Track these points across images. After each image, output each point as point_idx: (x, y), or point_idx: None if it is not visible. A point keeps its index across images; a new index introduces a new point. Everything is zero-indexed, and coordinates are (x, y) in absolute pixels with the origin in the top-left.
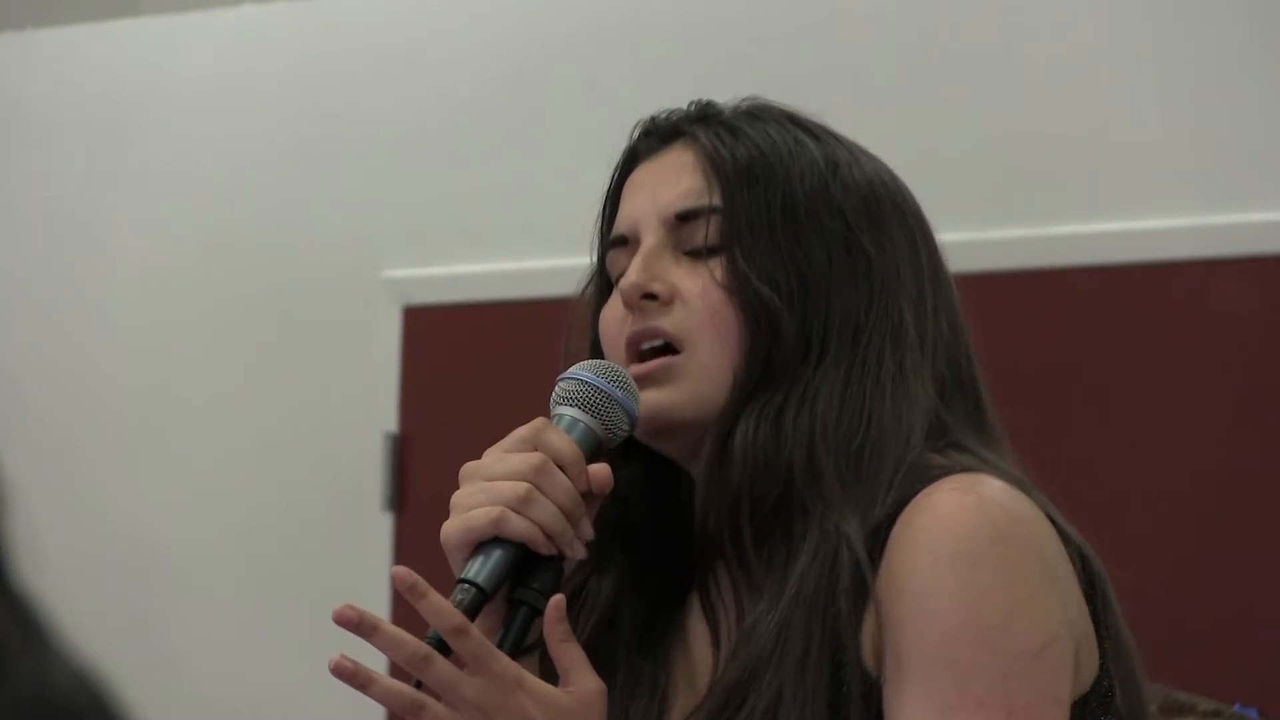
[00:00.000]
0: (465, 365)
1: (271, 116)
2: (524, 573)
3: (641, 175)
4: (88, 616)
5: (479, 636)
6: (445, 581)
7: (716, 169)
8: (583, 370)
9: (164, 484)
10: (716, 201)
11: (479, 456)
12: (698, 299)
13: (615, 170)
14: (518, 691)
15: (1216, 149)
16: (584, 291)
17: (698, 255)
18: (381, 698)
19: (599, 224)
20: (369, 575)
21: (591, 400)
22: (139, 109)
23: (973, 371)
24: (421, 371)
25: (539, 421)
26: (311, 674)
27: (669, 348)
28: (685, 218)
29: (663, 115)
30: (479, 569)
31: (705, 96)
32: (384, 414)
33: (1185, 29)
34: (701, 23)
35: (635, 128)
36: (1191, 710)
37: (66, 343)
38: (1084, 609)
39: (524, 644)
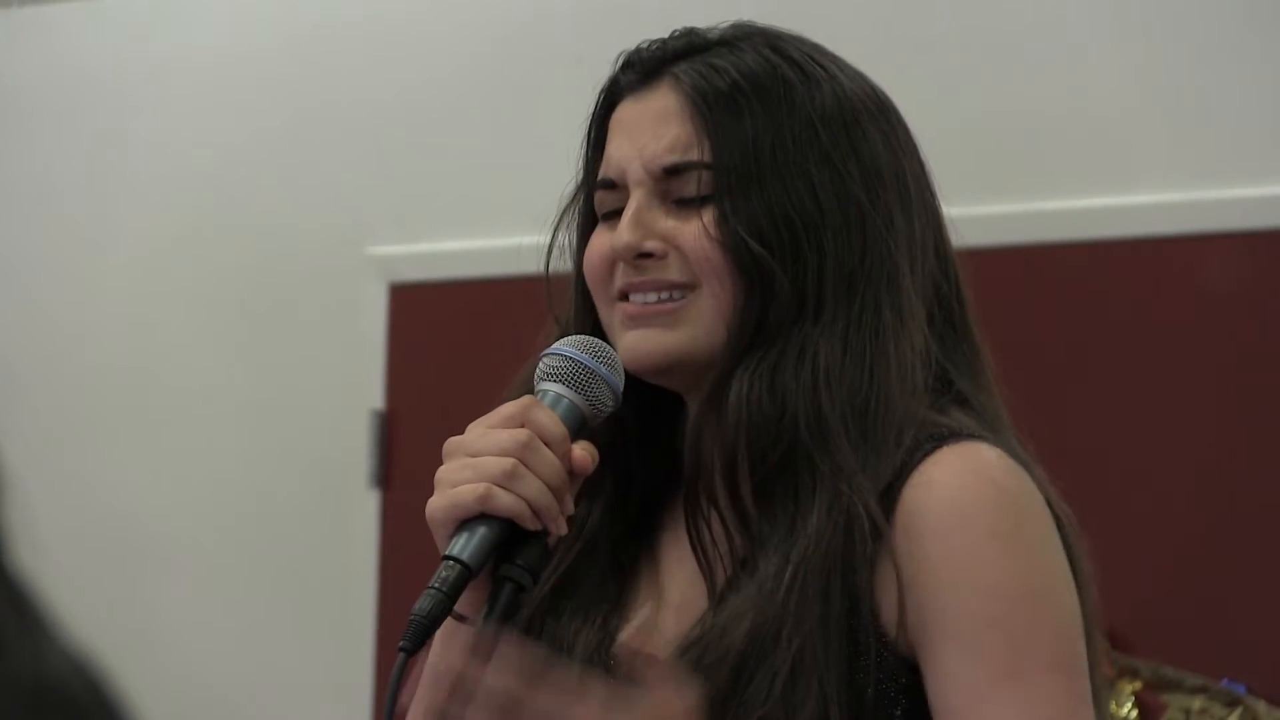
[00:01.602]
0: (451, 342)
1: (258, 94)
2: (509, 548)
3: (627, 115)
4: (73, 596)
5: None
6: (431, 558)
7: (703, 118)
8: (566, 346)
9: (150, 462)
10: (705, 156)
11: (464, 432)
12: (692, 250)
13: (599, 97)
14: None
15: (1204, 124)
16: (548, 252)
17: (688, 205)
18: None
19: (583, 150)
20: (356, 552)
21: (574, 376)
22: (124, 88)
23: (962, 301)
24: (408, 349)
25: (526, 399)
26: (298, 651)
27: (675, 294)
28: (673, 171)
29: (646, 48)
30: (464, 545)
31: None
32: (370, 391)
33: (1174, 2)
34: None
35: (618, 58)
36: (1179, 685)
37: (50, 322)
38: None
39: (508, 620)
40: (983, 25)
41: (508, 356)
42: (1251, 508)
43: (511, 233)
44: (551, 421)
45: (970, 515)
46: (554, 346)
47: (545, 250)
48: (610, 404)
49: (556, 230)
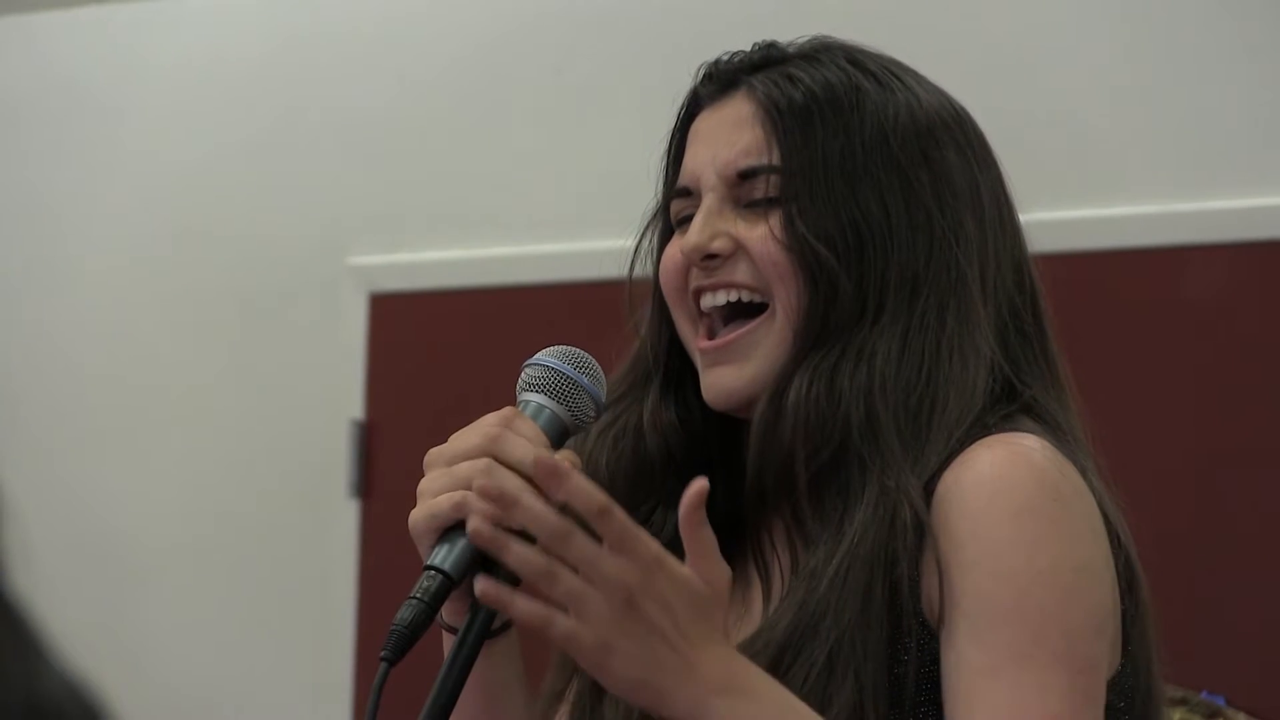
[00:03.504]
0: (432, 352)
1: (238, 103)
2: (491, 557)
3: (704, 125)
4: (53, 603)
5: (622, 517)
6: (411, 568)
7: (775, 125)
8: (548, 356)
9: (131, 470)
10: (775, 160)
11: (445, 443)
12: (759, 252)
13: (679, 112)
14: (658, 572)
15: (1186, 136)
16: (647, 234)
17: (757, 208)
18: (519, 556)
19: (664, 164)
20: (335, 561)
21: (557, 386)
22: (104, 97)
23: (1039, 317)
24: (388, 358)
25: (507, 410)
26: (278, 660)
27: (741, 304)
28: (745, 175)
29: (725, 59)
30: (445, 555)
31: (668, 85)
32: (350, 401)
33: (1156, 15)
34: (667, 9)
35: (699, 69)
36: None
37: (32, 330)
38: (1117, 597)
39: (491, 627)
40: (966, 37)
41: (487, 365)
42: (1231, 518)
43: (491, 243)
44: (532, 432)
45: (999, 492)
46: (536, 357)
47: (628, 262)
48: (592, 414)
49: (640, 241)
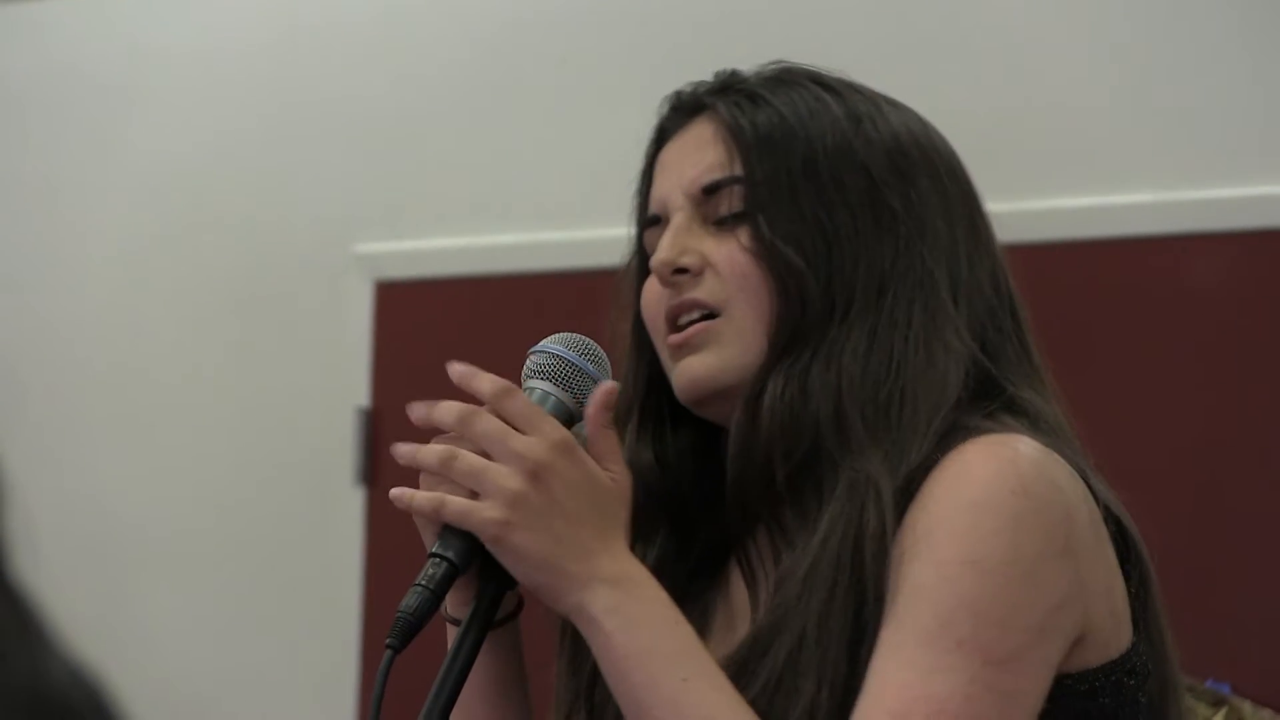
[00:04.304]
0: (437, 340)
1: (244, 92)
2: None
3: (669, 153)
4: (55, 592)
5: (526, 399)
6: (417, 555)
7: (737, 138)
8: (553, 343)
9: (135, 459)
10: (738, 171)
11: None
12: (727, 265)
13: (648, 147)
14: (565, 454)
15: (1187, 125)
16: (623, 270)
17: (725, 224)
18: (422, 452)
19: (636, 201)
20: (341, 549)
21: (562, 373)
22: (111, 84)
23: (1016, 318)
24: (393, 346)
25: (500, 386)
26: (283, 648)
27: (707, 315)
28: (710, 190)
29: (687, 90)
30: (450, 542)
31: (671, 74)
32: (356, 388)
33: (1158, 3)
34: (670, 0)
35: (662, 104)
36: None
37: (35, 317)
38: (1117, 580)
39: (496, 617)
40: (965, 26)
41: (493, 354)
42: (1236, 506)
43: (496, 231)
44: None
45: (959, 486)
46: (541, 344)
47: (609, 301)
48: None
49: (621, 283)
